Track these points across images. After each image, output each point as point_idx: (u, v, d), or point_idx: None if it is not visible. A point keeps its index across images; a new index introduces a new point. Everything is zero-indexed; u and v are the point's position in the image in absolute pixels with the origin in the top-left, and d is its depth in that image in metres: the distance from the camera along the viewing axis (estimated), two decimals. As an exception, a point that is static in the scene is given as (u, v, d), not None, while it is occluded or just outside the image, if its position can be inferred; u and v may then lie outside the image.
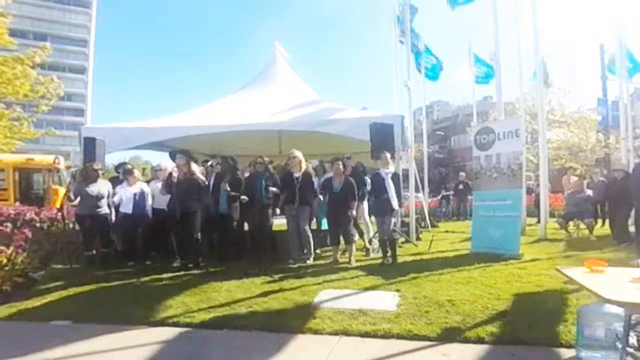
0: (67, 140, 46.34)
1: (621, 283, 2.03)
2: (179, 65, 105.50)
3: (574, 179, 9.89)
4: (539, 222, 9.18)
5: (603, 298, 1.82)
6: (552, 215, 10.37)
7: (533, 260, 5.74)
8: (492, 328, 3.17)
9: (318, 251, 6.61)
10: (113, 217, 6.29)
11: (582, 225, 8.19)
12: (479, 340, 2.99)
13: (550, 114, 22.19)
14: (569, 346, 2.77)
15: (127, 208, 6.23)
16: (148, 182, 7.00)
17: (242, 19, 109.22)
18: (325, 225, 6.72)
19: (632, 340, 2.58)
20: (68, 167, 14.93)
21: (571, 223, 8.39)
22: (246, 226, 6.95)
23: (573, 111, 23.62)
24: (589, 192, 8.64)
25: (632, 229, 6.95)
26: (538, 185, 10.86)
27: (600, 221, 9.05)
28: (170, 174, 5.95)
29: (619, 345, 2.32)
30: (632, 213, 6.78)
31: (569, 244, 7.34)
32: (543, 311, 3.46)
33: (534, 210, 11.33)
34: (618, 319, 2.34)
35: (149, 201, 6.49)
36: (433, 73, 13.40)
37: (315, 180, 6.84)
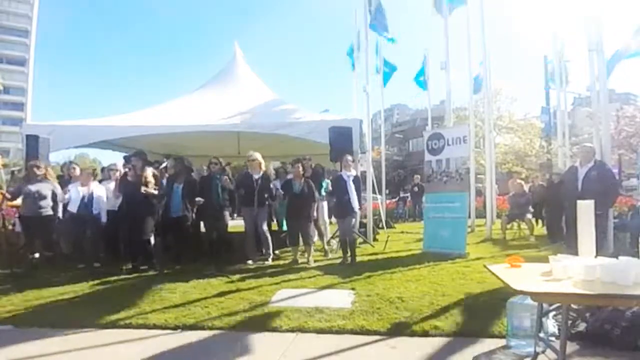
0: (4, 136, 43.34)
1: (532, 276, 2.31)
2: (132, 61, 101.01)
3: (518, 182, 10.61)
4: (488, 223, 9.74)
5: (512, 288, 2.07)
6: (500, 216, 11.06)
7: (477, 258, 6.15)
8: (436, 322, 3.40)
9: (277, 252, 6.67)
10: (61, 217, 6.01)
11: (524, 226, 8.83)
12: (424, 334, 3.21)
13: (499, 120, 23.58)
14: (501, 336, 3.04)
15: (73, 208, 5.95)
16: (100, 182, 6.74)
17: (205, 17, 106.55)
18: (286, 226, 6.77)
19: (554, 329, 2.91)
20: (5, 165, 13.88)
21: (514, 224, 9.02)
22: (202, 228, 6.85)
23: (520, 118, 25.23)
24: (530, 194, 9.32)
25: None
26: (487, 188, 11.50)
27: (541, 221, 9.78)
28: (125, 175, 5.81)
29: (542, 334, 2.61)
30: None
31: (510, 243, 7.90)
32: (481, 305, 3.76)
33: (483, 212, 11.99)
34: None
35: (103, 203, 6.15)
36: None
37: (277, 182, 6.90)
